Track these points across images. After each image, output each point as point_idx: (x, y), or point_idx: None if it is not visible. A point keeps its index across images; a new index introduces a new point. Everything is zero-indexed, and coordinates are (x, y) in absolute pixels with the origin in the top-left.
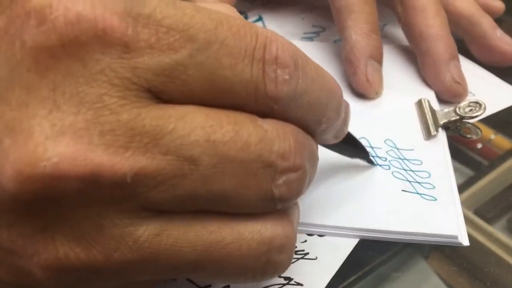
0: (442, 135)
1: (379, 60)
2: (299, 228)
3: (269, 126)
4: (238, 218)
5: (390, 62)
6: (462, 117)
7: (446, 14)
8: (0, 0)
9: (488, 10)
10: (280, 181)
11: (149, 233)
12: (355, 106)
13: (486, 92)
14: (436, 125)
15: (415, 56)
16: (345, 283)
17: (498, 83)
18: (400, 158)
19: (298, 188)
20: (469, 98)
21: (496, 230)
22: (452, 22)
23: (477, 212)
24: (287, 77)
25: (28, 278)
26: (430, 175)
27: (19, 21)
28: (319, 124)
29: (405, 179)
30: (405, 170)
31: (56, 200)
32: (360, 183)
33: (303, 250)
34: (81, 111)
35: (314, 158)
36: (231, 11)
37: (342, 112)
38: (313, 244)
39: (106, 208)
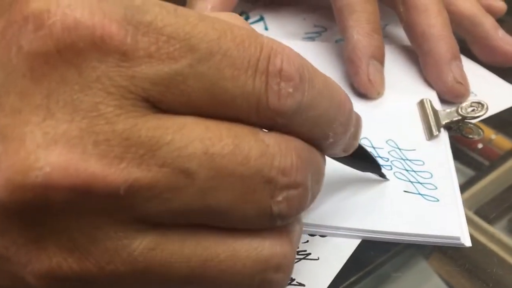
0: (444, 136)
1: (381, 60)
2: None
3: (271, 140)
4: (235, 234)
5: (392, 62)
6: (464, 117)
7: (448, 14)
8: None
9: (490, 11)
10: (280, 197)
11: (143, 247)
12: (357, 106)
13: (487, 92)
14: (438, 125)
15: (417, 56)
16: (346, 283)
17: (500, 83)
18: (402, 159)
19: (298, 205)
20: (471, 98)
21: (497, 231)
22: (454, 22)
23: (478, 213)
24: (291, 90)
25: (23, 284)
26: (432, 175)
27: (17, 25)
28: (326, 138)
29: (407, 179)
30: (407, 170)
31: (47, 210)
32: (362, 184)
33: (305, 251)
34: (75, 119)
35: (318, 174)
36: (238, 21)
37: (352, 126)
38: (315, 245)
39: (99, 219)
